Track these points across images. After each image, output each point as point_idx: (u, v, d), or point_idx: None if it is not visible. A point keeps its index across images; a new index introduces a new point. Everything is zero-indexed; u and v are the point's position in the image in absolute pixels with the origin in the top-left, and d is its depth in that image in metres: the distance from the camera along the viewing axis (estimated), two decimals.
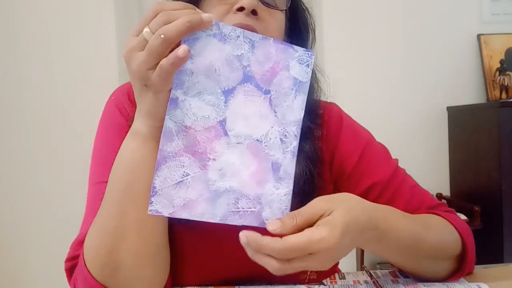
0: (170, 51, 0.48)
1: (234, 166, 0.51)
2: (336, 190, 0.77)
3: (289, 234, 0.48)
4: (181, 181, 0.49)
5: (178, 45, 0.49)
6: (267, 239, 0.47)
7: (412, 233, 0.60)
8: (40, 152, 2.02)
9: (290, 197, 0.52)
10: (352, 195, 0.55)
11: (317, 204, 0.51)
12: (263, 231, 0.49)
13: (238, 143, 0.51)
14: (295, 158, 0.52)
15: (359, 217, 0.52)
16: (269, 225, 0.49)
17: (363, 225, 0.52)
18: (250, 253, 0.48)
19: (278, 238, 0.47)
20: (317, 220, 0.50)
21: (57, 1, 2.02)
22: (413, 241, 0.60)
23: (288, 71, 0.52)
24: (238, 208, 0.51)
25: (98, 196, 0.60)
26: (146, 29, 0.49)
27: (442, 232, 0.66)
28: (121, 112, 0.71)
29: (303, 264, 0.49)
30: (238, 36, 0.51)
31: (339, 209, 0.50)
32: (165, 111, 0.50)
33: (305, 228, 0.49)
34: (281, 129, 0.52)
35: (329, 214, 0.50)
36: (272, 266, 0.48)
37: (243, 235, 0.48)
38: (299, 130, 0.53)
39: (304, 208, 0.50)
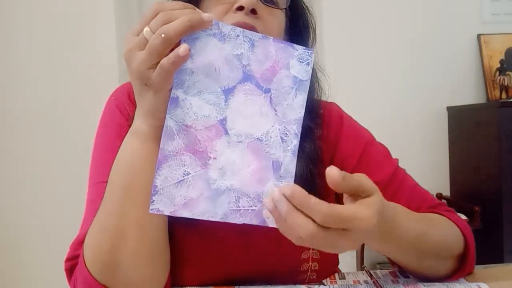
0: (170, 51, 0.49)
1: (234, 165, 0.51)
2: None
3: (341, 191, 0.48)
4: (182, 180, 0.50)
5: (177, 44, 0.49)
6: (314, 200, 0.45)
7: (416, 230, 0.60)
8: (40, 152, 2.02)
9: None
10: None
11: (366, 179, 0.50)
12: (262, 228, 0.50)
13: (238, 142, 0.51)
14: (296, 157, 0.53)
15: (382, 211, 0.51)
16: (332, 171, 0.46)
17: (383, 218, 0.51)
18: (285, 208, 0.45)
19: (325, 202, 0.45)
20: (359, 195, 0.49)
21: (57, 1, 2.02)
22: (417, 238, 0.60)
23: (288, 69, 0.53)
24: (239, 206, 0.51)
25: (98, 196, 0.60)
26: (146, 29, 0.49)
27: (446, 231, 0.67)
28: (121, 112, 0.71)
29: (336, 240, 0.47)
30: (238, 36, 0.51)
31: (377, 194, 0.50)
32: (165, 111, 0.50)
33: (351, 192, 0.49)
34: (282, 128, 0.52)
35: (369, 196, 0.49)
36: (306, 228, 0.45)
37: (288, 187, 0.45)
38: (300, 129, 0.53)
39: (354, 176, 0.49)
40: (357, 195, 0.49)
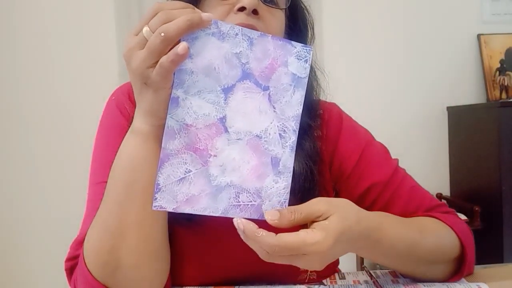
0: (169, 50, 0.49)
1: (234, 162, 0.52)
2: (336, 190, 0.77)
3: (284, 227, 0.50)
4: (183, 178, 0.51)
5: (177, 44, 0.49)
6: (262, 233, 0.48)
7: (406, 240, 0.61)
8: (40, 152, 2.02)
9: (288, 190, 0.54)
10: (350, 202, 0.56)
11: (317, 204, 0.52)
12: (259, 224, 0.50)
13: (238, 139, 0.52)
14: (294, 153, 0.54)
15: (353, 227, 0.53)
16: (268, 215, 0.50)
17: (356, 235, 0.53)
18: (244, 237, 0.50)
19: (273, 234, 0.48)
20: (313, 220, 0.51)
21: (57, 1, 2.02)
22: (408, 247, 0.61)
23: (287, 67, 0.53)
24: (239, 202, 0.52)
25: (99, 196, 0.60)
26: (145, 28, 0.49)
27: (439, 236, 0.67)
28: (121, 112, 0.71)
29: (292, 261, 0.50)
30: (237, 34, 0.52)
31: (335, 215, 0.51)
32: (165, 110, 0.51)
33: (301, 224, 0.51)
34: (280, 125, 0.53)
35: (326, 218, 0.51)
36: (262, 254, 0.50)
37: (240, 222, 0.49)
38: (298, 125, 0.54)
39: (303, 205, 0.52)
40: (313, 220, 0.51)
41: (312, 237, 0.49)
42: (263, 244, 0.48)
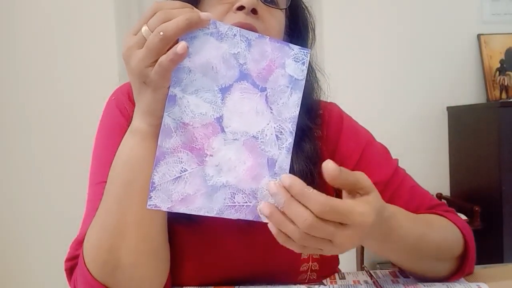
0: (168, 49, 0.49)
1: (230, 162, 0.52)
2: (336, 190, 0.77)
3: (335, 184, 0.48)
4: (179, 177, 0.50)
5: (175, 43, 0.49)
6: (313, 189, 0.46)
7: (415, 232, 0.60)
8: (40, 152, 2.02)
9: None
10: None
11: (363, 176, 0.51)
12: (257, 225, 0.50)
13: (234, 140, 0.52)
14: (290, 154, 0.54)
15: (382, 210, 0.51)
16: (326, 164, 0.47)
17: (380, 219, 0.51)
18: (284, 199, 0.47)
19: (323, 194, 0.46)
20: (356, 191, 0.50)
21: (57, 1, 2.02)
22: (416, 240, 0.60)
23: (284, 69, 0.53)
24: (234, 202, 0.52)
25: (98, 196, 0.60)
26: (144, 27, 0.49)
27: (445, 232, 0.66)
28: (121, 113, 0.71)
29: (334, 234, 0.47)
30: (235, 35, 0.52)
31: (375, 193, 0.51)
32: (163, 109, 0.51)
33: (346, 189, 0.50)
34: (277, 126, 0.53)
35: (367, 193, 0.50)
36: (305, 218, 0.46)
37: (288, 177, 0.47)
38: (295, 127, 0.54)
39: (354, 172, 0.50)
40: (355, 192, 0.50)
41: (361, 206, 0.48)
42: (313, 200, 0.45)
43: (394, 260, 0.66)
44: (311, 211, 0.46)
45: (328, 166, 0.47)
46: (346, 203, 0.48)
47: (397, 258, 0.65)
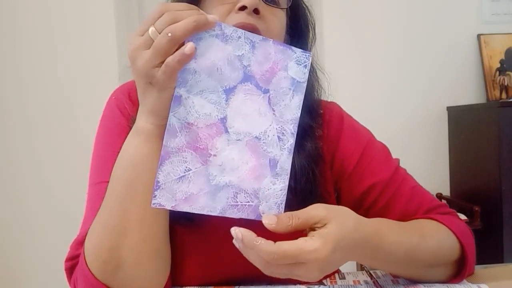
0: (175, 51, 0.49)
1: (233, 162, 0.53)
2: (337, 189, 0.77)
3: (281, 232, 0.50)
4: (183, 176, 0.51)
5: (181, 45, 0.50)
6: (261, 241, 0.48)
7: (406, 245, 0.61)
8: (40, 152, 2.02)
9: (285, 192, 0.54)
10: (348, 210, 0.56)
11: (315, 211, 0.52)
12: (258, 224, 0.51)
13: (238, 140, 0.53)
14: (292, 155, 0.55)
15: (352, 235, 0.52)
16: (265, 219, 0.50)
17: (354, 242, 0.53)
18: (241, 246, 0.49)
19: (271, 242, 0.48)
20: (311, 227, 0.51)
21: (58, 1, 2.02)
22: (407, 252, 0.61)
23: (287, 71, 0.54)
24: (237, 202, 0.52)
25: (98, 196, 0.60)
26: (151, 28, 0.50)
27: (439, 239, 0.66)
28: (121, 112, 0.71)
29: (291, 271, 0.50)
30: (240, 37, 0.52)
31: (333, 223, 0.51)
32: (168, 110, 0.51)
33: (298, 230, 0.50)
34: (279, 127, 0.54)
35: (323, 226, 0.51)
36: (259, 263, 0.49)
37: (238, 231, 0.49)
38: (296, 128, 0.55)
39: (301, 211, 0.51)
40: (311, 226, 0.51)
41: (311, 245, 0.49)
42: (262, 252, 0.48)
43: (387, 271, 0.67)
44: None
45: (264, 222, 0.50)
46: (295, 245, 0.49)
47: (390, 270, 0.66)
